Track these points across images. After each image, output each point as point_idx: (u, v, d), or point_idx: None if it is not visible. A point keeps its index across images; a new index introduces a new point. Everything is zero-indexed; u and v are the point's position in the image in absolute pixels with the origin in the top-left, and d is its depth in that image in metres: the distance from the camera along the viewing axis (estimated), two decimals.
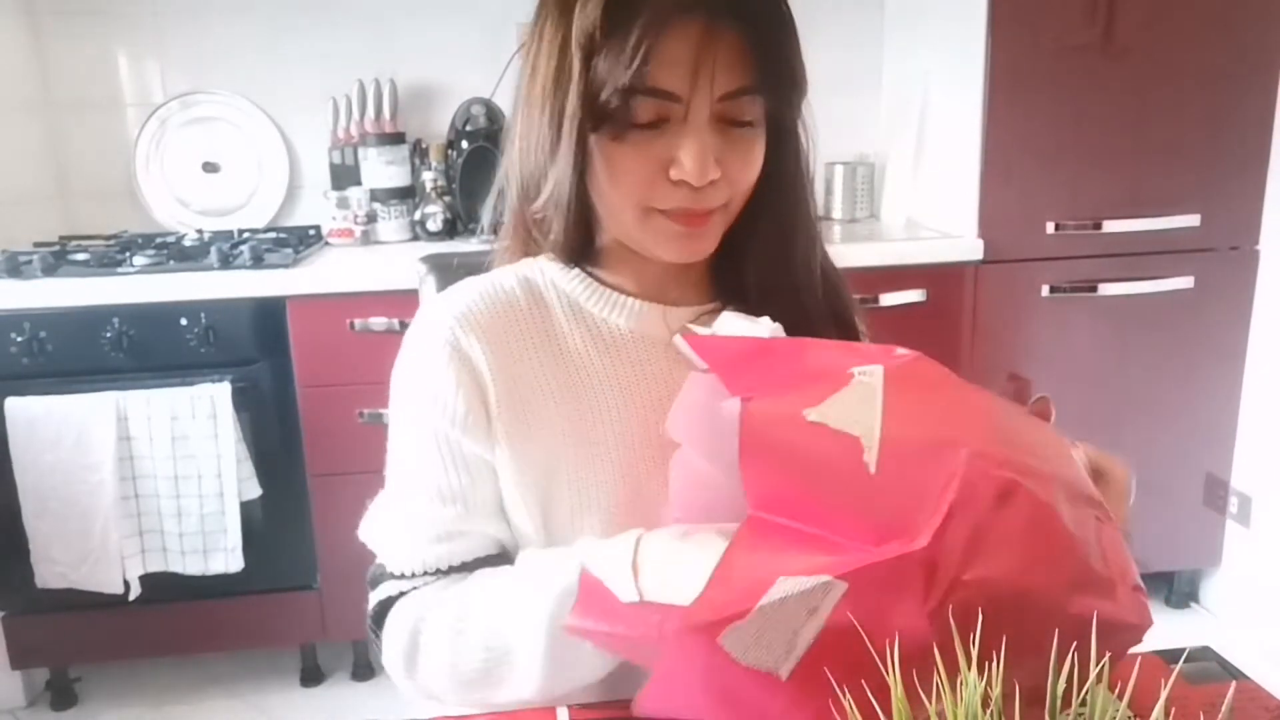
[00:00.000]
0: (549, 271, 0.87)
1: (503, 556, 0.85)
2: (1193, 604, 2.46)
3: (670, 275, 0.85)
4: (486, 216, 0.93)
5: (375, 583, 0.85)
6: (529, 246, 0.88)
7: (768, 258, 0.85)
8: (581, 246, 0.84)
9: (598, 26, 0.72)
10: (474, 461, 0.82)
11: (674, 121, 0.75)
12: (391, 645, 0.82)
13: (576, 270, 0.86)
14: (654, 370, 0.84)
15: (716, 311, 0.85)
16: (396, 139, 2.40)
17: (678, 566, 0.63)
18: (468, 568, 0.83)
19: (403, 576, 0.83)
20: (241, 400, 1.95)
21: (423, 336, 0.83)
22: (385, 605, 0.83)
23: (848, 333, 0.90)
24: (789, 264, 0.86)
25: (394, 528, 0.84)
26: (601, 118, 0.74)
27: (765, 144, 0.80)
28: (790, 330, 0.76)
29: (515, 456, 0.81)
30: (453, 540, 0.82)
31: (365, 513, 0.89)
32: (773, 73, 0.76)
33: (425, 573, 0.82)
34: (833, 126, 2.60)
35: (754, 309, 0.81)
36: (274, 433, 2.03)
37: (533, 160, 0.81)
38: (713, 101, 0.74)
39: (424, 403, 0.82)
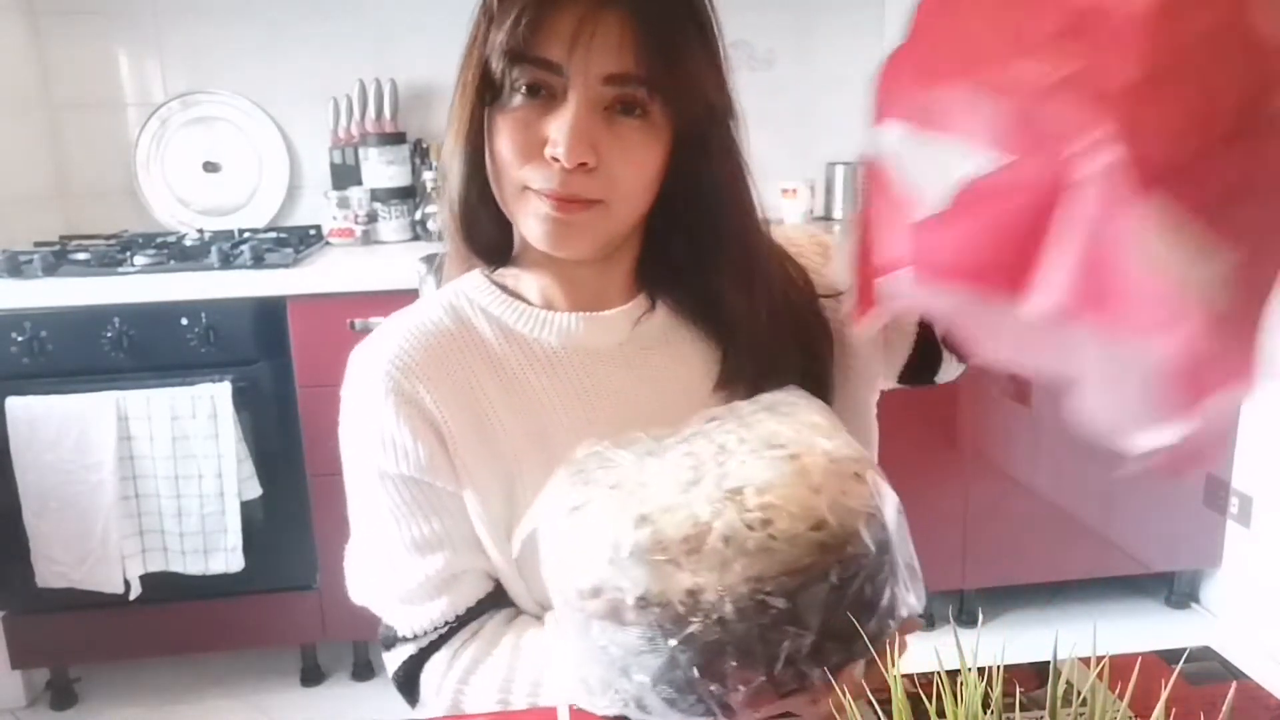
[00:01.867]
0: (473, 295, 0.85)
1: (499, 591, 0.84)
2: (1193, 604, 2.46)
3: (594, 278, 0.83)
4: (441, 216, 0.91)
5: (389, 644, 0.86)
6: (466, 251, 0.86)
7: (690, 272, 0.83)
8: (499, 242, 0.83)
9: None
10: (448, 500, 0.81)
11: (558, 98, 0.73)
12: (432, 705, 0.84)
13: (497, 290, 0.84)
14: (593, 381, 0.82)
15: (647, 308, 0.84)
16: (397, 139, 2.40)
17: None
18: (473, 613, 0.83)
19: (415, 638, 0.83)
20: (242, 400, 1.95)
21: (364, 389, 0.81)
22: (411, 668, 0.84)
23: (811, 340, 0.86)
24: (712, 284, 0.82)
25: (389, 589, 0.84)
26: (494, 91, 0.75)
27: (668, 150, 0.77)
28: (733, 344, 0.81)
29: (477, 490, 0.80)
30: (449, 589, 0.82)
31: (347, 572, 0.88)
32: (660, 65, 0.73)
33: (435, 630, 0.83)
34: (833, 126, 2.61)
35: (685, 306, 0.83)
36: (274, 433, 2.03)
37: (452, 148, 0.81)
38: (595, 80, 0.72)
39: (384, 455, 0.80)
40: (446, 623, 0.82)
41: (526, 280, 0.84)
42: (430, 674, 0.83)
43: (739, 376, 0.82)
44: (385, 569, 0.83)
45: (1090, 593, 2.46)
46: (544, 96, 0.74)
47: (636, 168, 0.76)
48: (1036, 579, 2.41)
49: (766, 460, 0.63)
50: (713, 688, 0.60)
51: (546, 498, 0.68)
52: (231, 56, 2.44)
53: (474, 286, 0.85)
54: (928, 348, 0.92)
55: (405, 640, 0.83)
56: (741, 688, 0.60)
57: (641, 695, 0.62)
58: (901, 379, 0.96)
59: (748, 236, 0.83)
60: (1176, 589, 2.46)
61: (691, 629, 0.59)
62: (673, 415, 0.72)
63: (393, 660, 0.85)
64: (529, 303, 0.84)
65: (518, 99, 0.75)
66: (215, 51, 2.43)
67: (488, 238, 0.82)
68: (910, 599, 0.64)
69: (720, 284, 0.82)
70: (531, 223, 0.76)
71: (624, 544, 0.60)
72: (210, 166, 2.48)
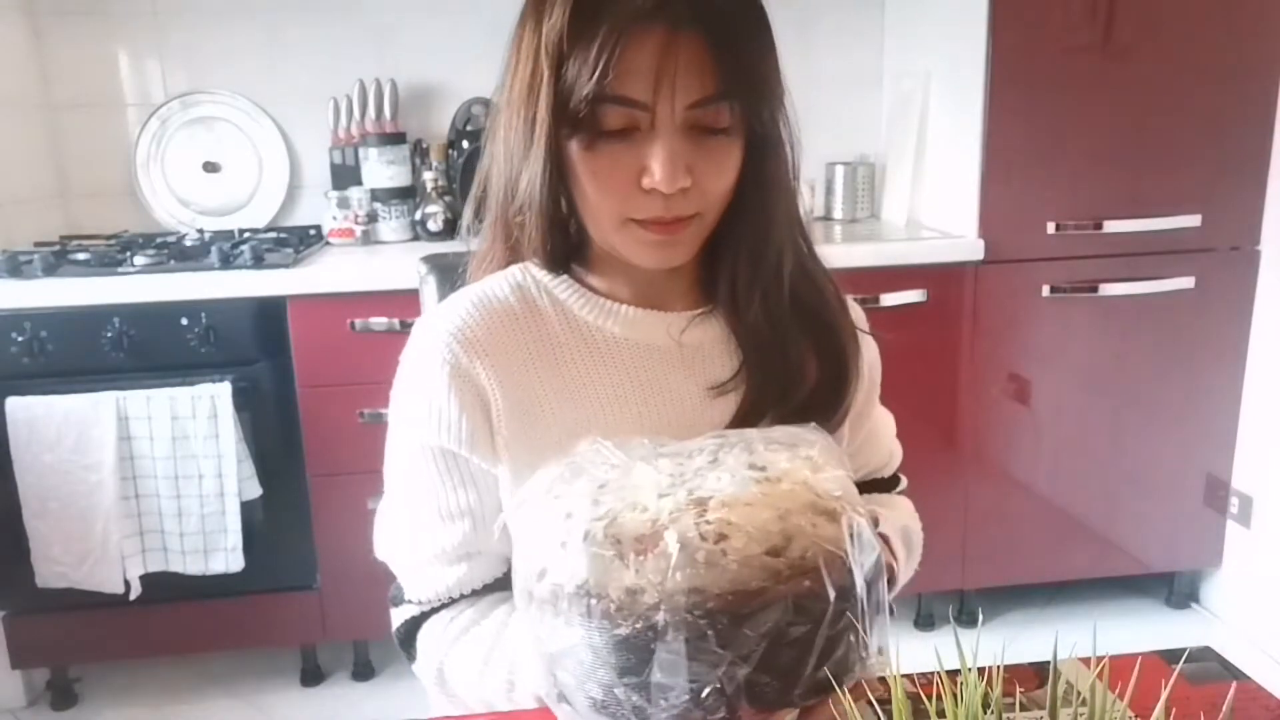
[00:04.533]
0: (540, 278, 0.87)
1: (509, 579, 0.85)
2: (1193, 604, 2.46)
3: (661, 280, 0.85)
4: (468, 215, 0.91)
5: (396, 602, 0.88)
6: (514, 251, 0.88)
7: (746, 262, 0.84)
8: (563, 251, 0.85)
9: (563, 35, 0.73)
10: (481, 476, 0.83)
11: (644, 130, 0.74)
12: (423, 668, 0.86)
13: (565, 277, 0.86)
14: (649, 376, 0.84)
15: (707, 316, 0.86)
16: (397, 139, 2.40)
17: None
18: (478, 594, 0.85)
19: (420, 603, 0.86)
20: (242, 400, 1.95)
21: (421, 357, 0.83)
22: (411, 626, 0.86)
23: (828, 333, 0.88)
24: (765, 267, 0.85)
25: (409, 551, 0.86)
26: (572, 125, 0.75)
27: (743, 150, 0.79)
28: (760, 334, 0.84)
29: (513, 470, 0.81)
30: (466, 562, 0.84)
31: (374, 523, 0.89)
32: (740, 79, 0.75)
33: (440, 601, 0.85)
34: (833, 126, 2.61)
35: (740, 312, 0.84)
36: (274, 433, 2.03)
37: (512, 163, 0.81)
38: (680, 109, 0.74)
39: (428, 425, 0.82)
40: (452, 598, 0.85)
41: (593, 277, 0.87)
42: (426, 633, 0.85)
43: (763, 399, 0.84)
44: (407, 531, 0.86)
45: (1090, 593, 2.45)
46: (629, 131, 0.75)
47: (726, 177, 0.79)
48: (1036, 579, 2.41)
49: (742, 478, 0.61)
50: (635, 698, 0.58)
51: (533, 483, 0.68)
52: (231, 56, 2.44)
53: (541, 270, 0.87)
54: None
55: (410, 603, 0.86)
56: (663, 703, 0.57)
57: (568, 692, 0.61)
58: None
59: (784, 231, 0.85)
60: (1176, 589, 2.46)
61: (621, 630, 0.57)
62: (714, 424, 0.77)
63: (396, 617, 0.88)
64: (597, 291, 0.86)
65: (603, 138, 0.75)
66: (215, 51, 2.43)
67: (555, 248, 0.84)
68: (871, 661, 0.61)
69: (761, 280, 0.84)
70: (635, 249, 0.80)
71: (577, 530, 0.59)
72: (210, 166, 2.48)
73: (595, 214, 0.79)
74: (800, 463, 0.64)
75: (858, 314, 0.94)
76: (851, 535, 0.59)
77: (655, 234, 0.78)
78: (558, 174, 0.78)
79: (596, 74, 0.72)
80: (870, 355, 0.94)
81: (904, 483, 1.06)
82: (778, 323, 0.85)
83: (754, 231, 0.83)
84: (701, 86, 0.73)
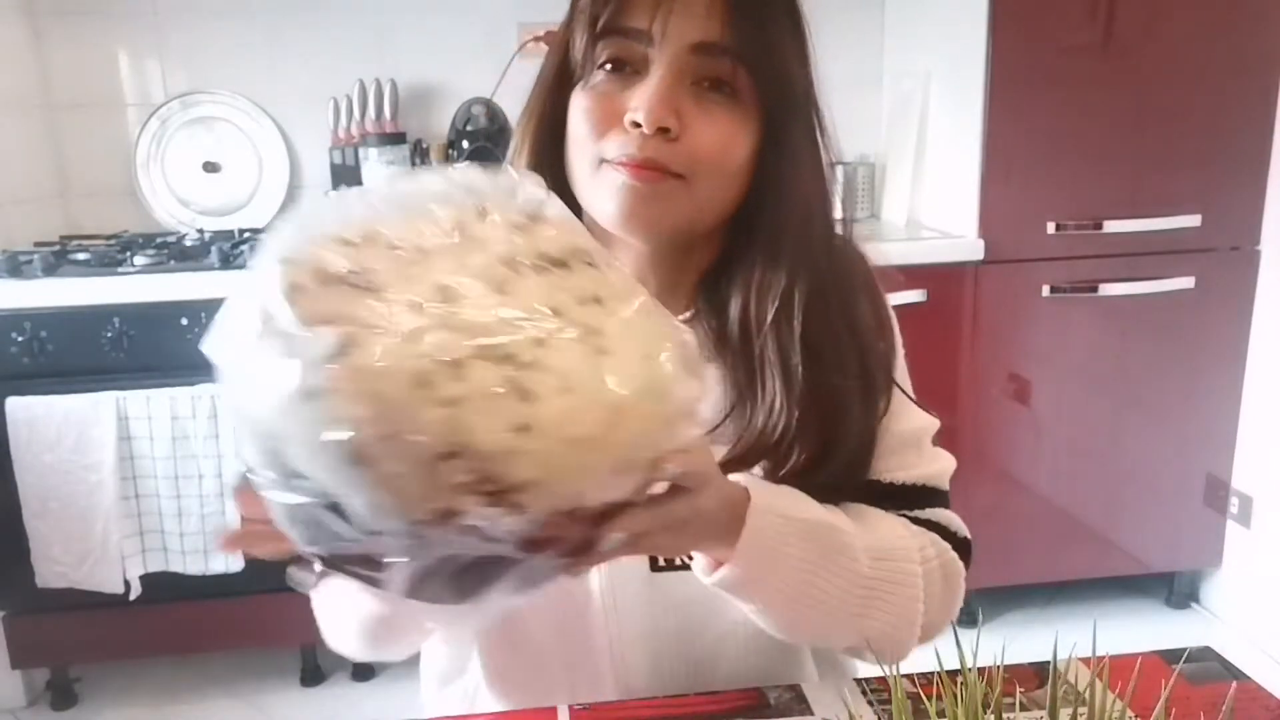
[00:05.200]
0: None
1: None
2: (1193, 604, 2.46)
3: (657, 278, 0.79)
4: None
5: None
6: None
7: (749, 283, 0.75)
8: None
9: None
10: None
11: (641, 74, 0.72)
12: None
13: None
14: None
15: (690, 320, 0.79)
16: (397, 139, 2.40)
17: None
18: None
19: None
20: None
21: None
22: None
23: (833, 403, 0.75)
24: (766, 297, 0.74)
25: None
26: (571, 71, 0.74)
27: (756, 143, 0.74)
28: (747, 376, 0.73)
29: None
30: None
31: None
32: (749, 37, 0.71)
33: None
34: (832, 127, 2.61)
35: (726, 334, 0.76)
36: None
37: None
38: (681, 50, 0.70)
39: None
40: None
41: None
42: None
43: (749, 456, 0.73)
44: None
45: (1090, 593, 2.45)
46: (628, 72, 0.72)
47: (721, 143, 0.72)
48: (1036, 579, 2.41)
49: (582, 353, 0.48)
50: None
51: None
52: (231, 56, 2.43)
53: None
54: None
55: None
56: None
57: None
58: None
59: (814, 258, 0.75)
60: (1176, 589, 2.46)
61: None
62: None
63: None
64: None
65: (599, 75, 0.73)
66: (215, 51, 2.43)
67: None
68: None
69: (764, 309, 0.74)
70: (604, 197, 0.72)
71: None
72: (210, 166, 2.48)
73: (574, 160, 0.75)
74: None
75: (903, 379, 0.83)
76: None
77: (626, 175, 0.70)
78: (544, 124, 0.76)
79: (602, 3, 0.71)
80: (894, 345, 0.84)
81: (948, 520, 0.82)
82: (781, 368, 0.74)
83: (760, 250, 0.75)
84: (705, 28, 0.70)
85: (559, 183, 0.74)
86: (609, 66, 0.72)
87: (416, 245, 0.50)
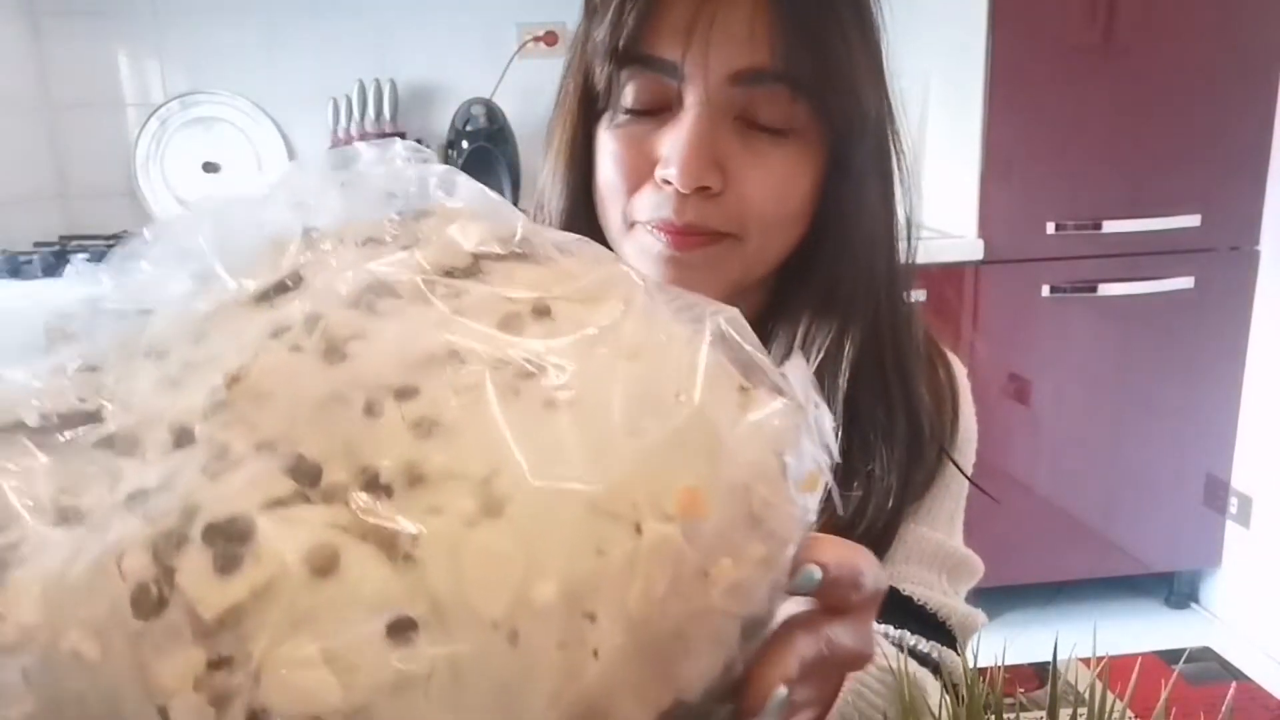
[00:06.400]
0: None
1: None
2: (1193, 604, 2.46)
3: None
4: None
5: None
6: None
7: (793, 333, 0.64)
8: None
9: None
10: None
11: (674, 111, 0.59)
12: None
13: None
14: None
15: None
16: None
17: None
18: None
19: None
20: None
21: None
22: None
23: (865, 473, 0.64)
24: (815, 344, 0.63)
25: None
26: (594, 99, 0.62)
27: (821, 176, 0.60)
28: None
29: None
30: None
31: None
32: (805, 56, 0.57)
33: None
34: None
35: None
36: None
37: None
38: (719, 81, 0.57)
39: None
40: None
41: None
42: None
43: None
44: None
45: (1090, 593, 2.45)
46: (659, 109, 0.60)
47: (776, 193, 0.59)
48: (1036, 579, 2.41)
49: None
50: None
51: None
52: (231, 56, 2.43)
53: None
54: None
55: None
56: None
57: None
58: None
59: (870, 311, 0.64)
60: (1176, 589, 2.46)
61: None
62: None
63: None
64: None
65: (624, 113, 0.60)
66: (215, 51, 2.43)
67: None
68: None
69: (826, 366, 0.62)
70: (642, 262, 0.60)
71: None
72: (210, 167, 2.48)
73: (604, 214, 0.63)
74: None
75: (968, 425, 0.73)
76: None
77: (663, 244, 0.59)
78: (574, 165, 0.63)
79: (624, 23, 0.57)
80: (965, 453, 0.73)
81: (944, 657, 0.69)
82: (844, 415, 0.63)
83: (817, 293, 0.63)
84: (748, 54, 0.56)
85: (594, 226, 0.64)
86: (634, 100, 0.60)
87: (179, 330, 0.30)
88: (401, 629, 0.25)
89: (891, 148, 0.64)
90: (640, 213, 0.60)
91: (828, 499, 0.35)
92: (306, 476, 0.27)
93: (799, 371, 0.34)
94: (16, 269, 1.97)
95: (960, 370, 0.77)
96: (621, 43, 0.58)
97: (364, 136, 2.39)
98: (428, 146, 2.42)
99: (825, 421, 0.33)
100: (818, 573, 0.33)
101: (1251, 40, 2.11)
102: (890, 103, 0.64)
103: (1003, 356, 2.21)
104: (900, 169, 0.65)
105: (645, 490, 0.28)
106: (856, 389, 0.63)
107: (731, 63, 0.57)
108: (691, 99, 0.58)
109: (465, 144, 2.40)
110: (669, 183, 0.58)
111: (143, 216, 2.46)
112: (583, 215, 0.64)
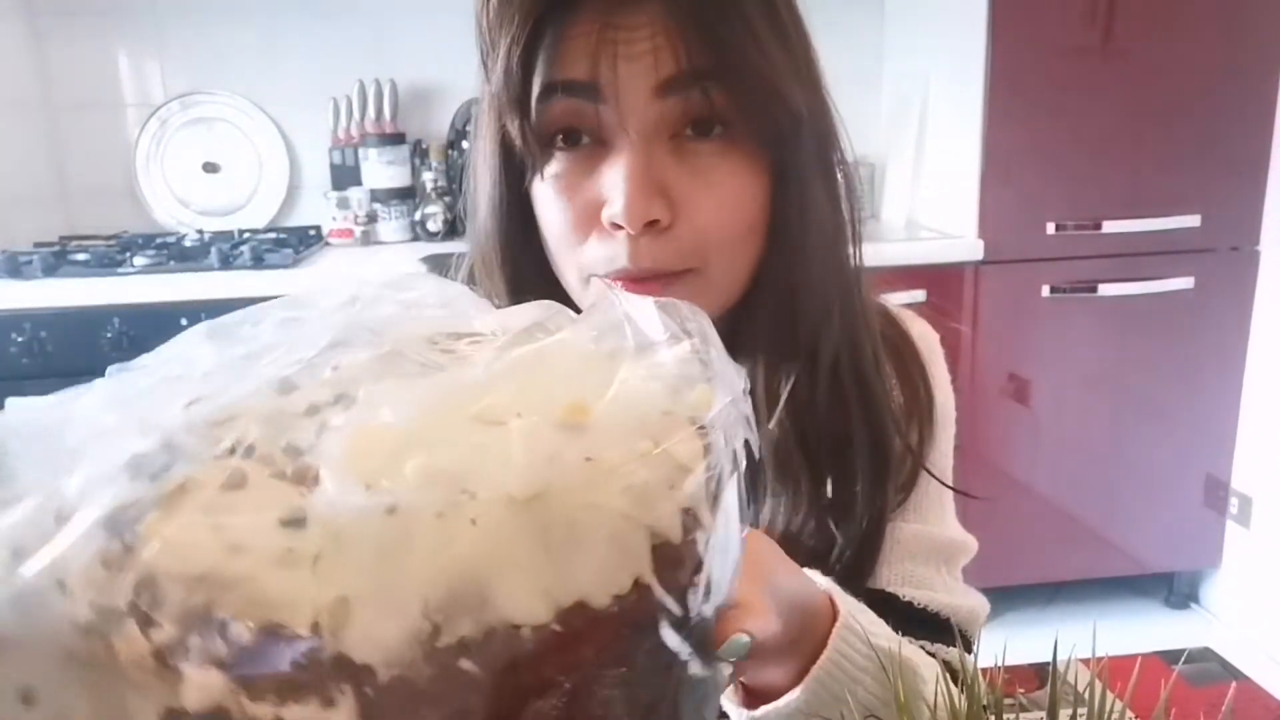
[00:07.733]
0: None
1: None
2: (1193, 604, 2.46)
3: None
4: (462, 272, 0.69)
5: None
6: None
7: (768, 344, 0.63)
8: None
9: (485, 8, 0.55)
10: None
11: (605, 144, 0.56)
12: None
13: None
14: None
15: None
16: (397, 139, 2.40)
17: None
18: None
19: None
20: None
21: None
22: None
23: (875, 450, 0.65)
24: (792, 355, 0.63)
25: None
26: (514, 154, 0.58)
27: (769, 183, 0.59)
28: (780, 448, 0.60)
29: None
30: None
31: None
32: (722, 48, 0.54)
33: None
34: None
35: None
36: None
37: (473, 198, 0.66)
38: (644, 98, 0.54)
39: None
40: None
41: None
42: None
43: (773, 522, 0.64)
44: None
45: (1090, 593, 2.45)
46: (588, 144, 0.56)
47: (727, 210, 0.57)
48: (1036, 579, 2.41)
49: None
50: None
51: None
52: (231, 56, 2.43)
53: None
54: None
55: None
56: None
57: None
58: None
59: (826, 320, 0.62)
60: (1176, 589, 2.46)
61: None
62: None
63: None
64: None
65: (553, 156, 0.57)
66: (215, 51, 2.43)
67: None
68: None
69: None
70: None
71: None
72: (210, 167, 2.48)
73: (559, 270, 0.60)
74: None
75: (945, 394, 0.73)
76: None
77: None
78: (512, 228, 0.60)
79: (523, 54, 0.54)
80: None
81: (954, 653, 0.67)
82: (810, 430, 0.63)
83: (776, 304, 0.61)
84: (667, 60, 0.54)
85: (549, 281, 0.61)
86: (561, 141, 0.57)
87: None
88: (293, 523, 0.29)
89: (831, 150, 0.63)
90: (596, 266, 0.58)
91: (754, 511, 0.40)
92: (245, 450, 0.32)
93: (712, 336, 0.37)
94: (16, 269, 1.97)
95: (929, 338, 0.76)
96: (533, 69, 0.54)
97: (364, 137, 2.39)
98: (427, 147, 2.42)
99: (728, 368, 0.36)
100: (745, 639, 0.37)
101: (1251, 40, 2.11)
102: (826, 104, 0.62)
103: (1002, 357, 2.21)
104: (844, 173, 0.63)
105: (529, 403, 0.32)
106: (817, 418, 0.63)
107: (649, 75, 0.54)
108: (621, 126, 0.55)
109: (465, 144, 2.40)
110: (619, 226, 0.55)
111: (143, 216, 2.46)
112: (532, 276, 0.62)
